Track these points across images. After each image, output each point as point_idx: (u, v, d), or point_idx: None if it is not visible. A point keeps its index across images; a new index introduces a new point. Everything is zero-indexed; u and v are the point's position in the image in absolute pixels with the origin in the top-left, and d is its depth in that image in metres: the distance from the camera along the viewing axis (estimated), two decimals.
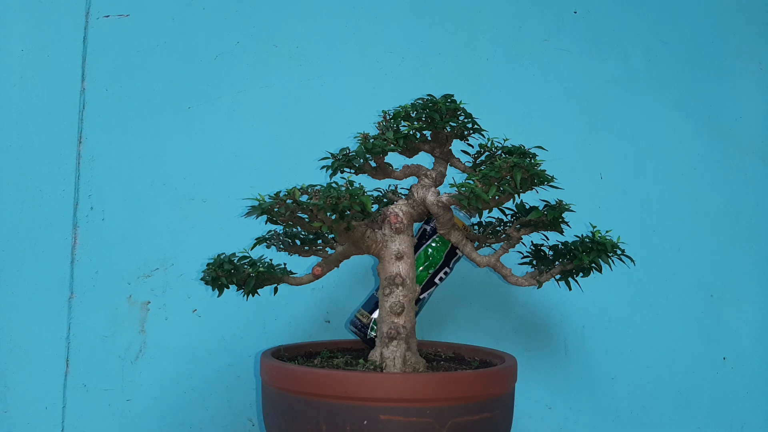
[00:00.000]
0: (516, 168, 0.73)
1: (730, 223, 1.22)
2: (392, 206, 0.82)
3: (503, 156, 0.80)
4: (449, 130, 0.84)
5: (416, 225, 0.98)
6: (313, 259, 0.97)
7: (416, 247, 0.95)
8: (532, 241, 0.87)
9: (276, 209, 0.72)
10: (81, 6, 1.07)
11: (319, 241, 0.87)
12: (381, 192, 0.92)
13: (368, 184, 0.85)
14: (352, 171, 0.83)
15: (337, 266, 0.84)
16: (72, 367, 1.03)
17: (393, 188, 0.93)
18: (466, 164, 0.88)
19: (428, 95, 0.85)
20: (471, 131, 0.86)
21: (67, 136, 1.05)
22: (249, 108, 1.10)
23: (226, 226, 1.07)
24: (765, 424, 1.20)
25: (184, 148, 1.08)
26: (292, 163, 1.10)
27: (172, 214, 1.07)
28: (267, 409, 0.80)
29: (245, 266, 0.79)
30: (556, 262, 0.81)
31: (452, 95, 0.85)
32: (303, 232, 0.86)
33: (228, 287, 0.79)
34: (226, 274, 0.78)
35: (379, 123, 0.84)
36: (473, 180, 0.74)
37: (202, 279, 0.81)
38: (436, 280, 0.96)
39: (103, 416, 1.03)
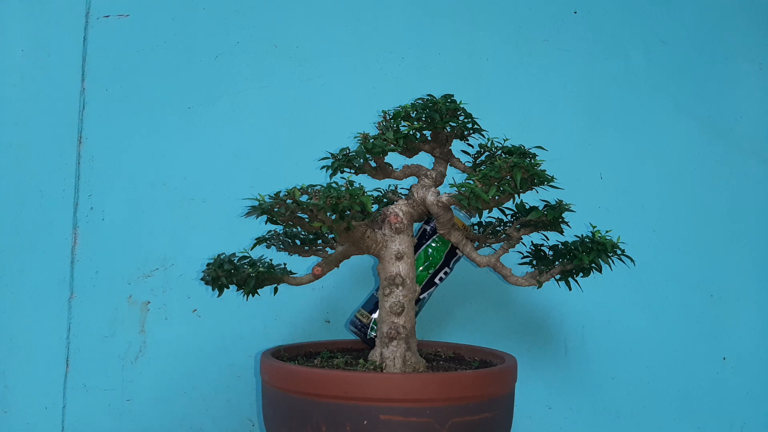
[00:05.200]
0: (516, 168, 0.73)
1: (730, 223, 1.22)
2: (392, 206, 0.82)
3: (503, 156, 0.80)
4: (449, 130, 0.84)
5: (416, 225, 0.98)
6: (313, 259, 0.97)
7: (416, 247, 0.95)
8: (532, 241, 0.87)
9: (276, 209, 0.72)
10: (81, 6, 1.07)
11: (319, 241, 0.87)
12: (381, 192, 0.92)
13: (368, 184, 0.85)
14: (352, 171, 0.83)
15: (337, 266, 0.84)
16: (72, 367, 1.03)
17: (393, 188, 0.93)
18: (466, 164, 0.88)
19: (428, 95, 0.85)
20: (471, 131, 0.86)
21: (67, 136, 1.05)
22: (249, 108, 1.10)
23: (226, 226, 1.07)
24: (765, 424, 1.20)
25: (184, 148, 1.08)
26: (292, 163, 1.10)
27: (172, 214, 1.07)
28: (267, 409, 0.80)
29: (245, 266, 0.79)
30: (556, 262, 0.81)
31: (452, 95, 0.85)
32: (303, 232, 0.86)
33: (228, 287, 0.79)
34: (226, 274, 0.78)
35: (379, 123, 0.84)
36: (473, 180, 0.74)
37: (202, 279, 0.81)
38: (436, 280, 0.95)
39: (103, 416, 1.03)
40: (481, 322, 1.14)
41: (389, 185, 0.94)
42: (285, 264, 0.84)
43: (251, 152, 1.10)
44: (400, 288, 0.80)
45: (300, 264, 1.01)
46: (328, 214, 0.71)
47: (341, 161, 0.81)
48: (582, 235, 0.80)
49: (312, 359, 0.86)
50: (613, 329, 1.17)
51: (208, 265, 0.80)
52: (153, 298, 1.05)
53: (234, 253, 0.82)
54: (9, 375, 1.01)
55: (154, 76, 1.08)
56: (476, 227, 0.91)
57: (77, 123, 1.06)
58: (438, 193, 0.82)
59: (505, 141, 0.84)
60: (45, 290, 1.02)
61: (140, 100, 1.08)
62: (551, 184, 0.75)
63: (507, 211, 0.87)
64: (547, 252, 0.84)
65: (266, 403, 0.80)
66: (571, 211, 0.79)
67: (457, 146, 0.88)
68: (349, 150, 0.82)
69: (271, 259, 0.83)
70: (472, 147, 0.88)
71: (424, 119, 0.82)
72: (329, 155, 0.83)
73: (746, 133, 1.24)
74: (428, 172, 0.85)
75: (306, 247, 0.86)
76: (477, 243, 0.87)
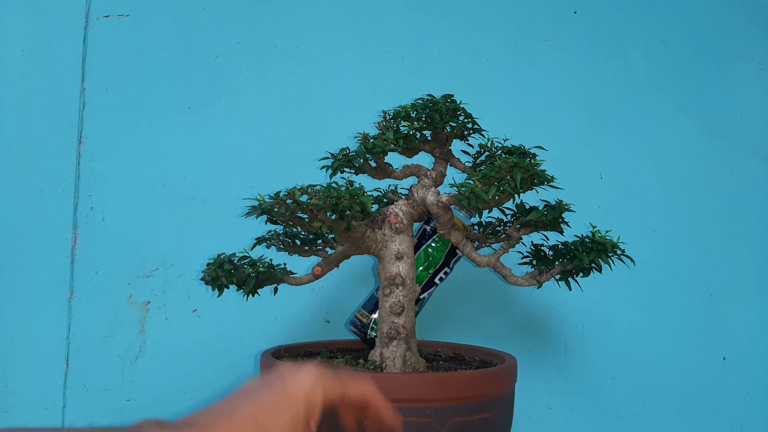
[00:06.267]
0: (516, 168, 0.73)
1: (730, 223, 1.22)
2: (392, 206, 0.82)
3: (503, 156, 0.80)
4: (449, 130, 0.84)
5: (416, 225, 0.98)
6: (313, 259, 0.96)
7: (416, 247, 0.95)
8: (532, 241, 0.87)
9: (276, 209, 0.72)
10: (81, 6, 1.07)
11: (319, 241, 0.87)
12: (381, 192, 0.92)
13: (368, 184, 0.85)
14: (352, 171, 0.83)
15: (337, 266, 0.84)
16: (72, 367, 1.03)
17: (393, 188, 0.93)
18: (466, 164, 0.88)
19: (428, 95, 0.85)
20: (471, 131, 0.86)
21: (67, 136, 1.05)
22: (249, 108, 1.10)
23: (226, 226, 1.07)
24: (765, 424, 1.20)
25: (184, 148, 1.08)
26: (292, 163, 1.10)
27: (172, 214, 1.07)
28: None
29: (245, 266, 0.79)
30: (556, 262, 0.81)
31: (452, 95, 0.85)
32: (303, 232, 0.86)
33: (228, 287, 0.79)
34: (226, 274, 0.78)
35: (379, 123, 0.84)
36: (473, 180, 0.74)
37: (202, 279, 0.81)
38: (436, 280, 0.95)
39: (103, 416, 1.03)
40: (481, 322, 1.13)
41: (389, 185, 0.94)
42: (285, 264, 0.84)
43: (251, 152, 1.10)
44: (400, 288, 0.80)
45: (300, 264, 1.01)
46: (328, 214, 0.71)
47: (341, 161, 0.81)
48: (582, 235, 0.80)
49: (312, 359, 0.86)
50: (613, 329, 1.17)
51: (208, 265, 0.80)
52: (153, 298, 1.05)
53: (234, 253, 0.82)
54: (9, 375, 1.01)
55: (154, 76, 1.08)
56: (476, 227, 0.91)
57: (77, 123, 1.05)
58: (438, 193, 0.82)
59: (505, 141, 0.84)
60: (45, 290, 1.02)
61: (140, 100, 1.08)
62: (551, 184, 0.75)
63: (507, 211, 0.87)
64: (547, 252, 0.84)
65: None
66: (571, 211, 0.79)
67: (457, 146, 0.88)
68: (349, 150, 0.82)
69: (271, 259, 0.83)
70: (472, 147, 0.88)
71: (424, 119, 0.82)
72: (329, 155, 0.83)
73: (746, 133, 1.24)
74: (428, 172, 0.85)
75: (306, 247, 0.86)
76: (477, 243, 0.87)
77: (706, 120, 1.23)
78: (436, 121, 0.81)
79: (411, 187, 0.85)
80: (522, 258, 0.86)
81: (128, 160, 1.06)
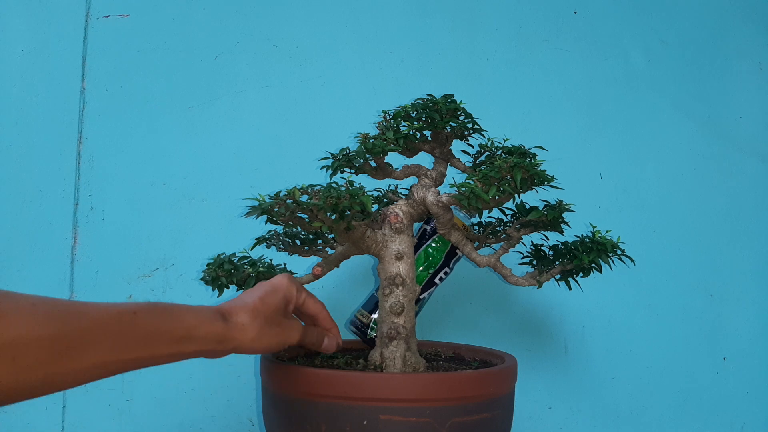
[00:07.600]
0: (516, 168, 0.73)
1: (730, 223, 1.22)
2: (392, 206, 0.82)
3: (503, 156, 0.80)
4: (449, 130, 0.84)
5: (416, 225, 0.98)
6: (313, 259, 0.96)
7: (416, 247, 0.95)
8: (532, 241, 0.87)
9: (276, 209, 0.72)
10: (81, 6, 1.07)
11: (319, 241, 0.87)
12: (381, 192, 0.92)
13: (368, 184, 0.85)
14: (352, 171, 0.83)
15: (337, 266, 0.84)
16: None
17: (393, 188, 0.93)
18: (466, 164, 0.88)
19: (428, 95, 0.85)
20: (471, 131, 0.86)
21: (67, 136, 1.05)
22: (249, 108, 1.10)
23: (226, 226, 1.07)
24: (765, 424, 1.20)
25: (184, 148, 1.08)
26: (292, 163, 1.10)
27: (172, 214, 1.07)
28: (267, 410, 0.80)
29: (245, 266, 0.79)
30: (556, 262, 0.81)
31: (452, 95, 0.85)
32: (303, 232, 0.86)
33: (228, 287, 0.79)
34: (226, 274, 0.78)
35: (379, 123, 0.84)
36: (473, 180, 0.74)
37: (202, 279, 0.81)
38: (436, 280, 0.95)
39: (103, 416, 1.03)
40: (481, 322, 1.13)
41: (389, 185, 0.94)
42: (285, 264, 0.84)
43: (251, 152, 1.10)
44: (400, 288, 0.80)
45: (300, 264, 1.01)
46: (328, 214, 0.71)
47: (341, 161, 0.81)
48: (582, 235, 0.80)
49: (312, 359, 0.86)
50: (613, 329, 1.17)
51: (208, 265, 0.80)
52: (153, 298, 1.05)
53: (234, 253, 0.82)
54: None
55: (154, 76, 1.08)
56: (476, 227, 0.91)
57: (77, 123, 1.05)
58: (438, 193, 0.82)
59: (505, 141, 0.84)
60: (45, 290, 1.02)
61: (140, 100, 1.08)
62: (551, 184, 0.75)
63: (507, 211, 0.87)
64: (547, 252, 0.83)
65: (266, 403, 0.80)
66: (571, 211, 0.79)
67: (457, 146, 0.88)
68: (349, 150, 0.82)
69: (271, 259, 0.83)
70: (472, 147, 0.88)
71: (424, 119, 0.82)
72: (329, 155, 0.83)
73: (746, 133, 1.25)
74: (428, 172, 0.85)
75: (306, 247, 0.86)
76: (477, 243, 0.87)
77: (706, 120, 1.23)
78: (436, 121, 0.81)
79: (411, 187, 0.85)
80: (522, 258, 0.86)
81: (128, 160, 1.06)
